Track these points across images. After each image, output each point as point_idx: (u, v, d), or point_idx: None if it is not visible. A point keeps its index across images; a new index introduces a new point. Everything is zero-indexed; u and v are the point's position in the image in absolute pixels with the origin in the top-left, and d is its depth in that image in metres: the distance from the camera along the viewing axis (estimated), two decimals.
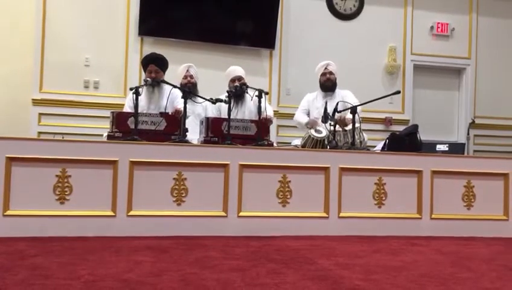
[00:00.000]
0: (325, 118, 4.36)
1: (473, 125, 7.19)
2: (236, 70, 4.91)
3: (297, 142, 4.69)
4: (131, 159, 3.58)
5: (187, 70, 4.92)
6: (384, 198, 4.00)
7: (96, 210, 3.51)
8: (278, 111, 6.39)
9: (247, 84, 4.62)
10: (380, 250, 3.31)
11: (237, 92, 4.52)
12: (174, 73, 4.97)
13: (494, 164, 4.25)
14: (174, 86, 4.24)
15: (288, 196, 3.83)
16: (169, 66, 4.78)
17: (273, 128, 5.45)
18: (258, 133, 4.07)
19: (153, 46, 6.07)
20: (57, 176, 3.46)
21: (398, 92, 4.68)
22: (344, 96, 4.99)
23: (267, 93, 4.24)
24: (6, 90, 6.04)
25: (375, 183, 3.99)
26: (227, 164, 3.72)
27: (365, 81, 6.70)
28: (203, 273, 2.48)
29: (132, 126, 3.84)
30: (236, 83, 4.71)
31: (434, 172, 4.08)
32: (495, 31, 7.40)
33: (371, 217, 3.95)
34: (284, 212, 3.81)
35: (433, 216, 4.06)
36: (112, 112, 4.02)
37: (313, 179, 3.88)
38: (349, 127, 4.34)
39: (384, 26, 7.02)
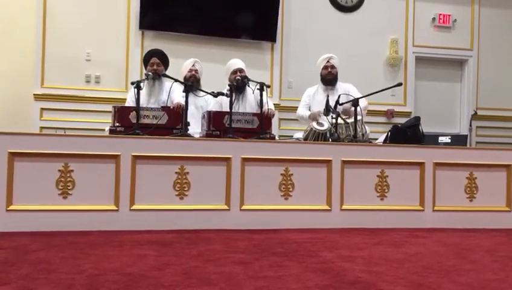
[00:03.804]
0: (327, 110, 4.35)
1: (475, 116, 7.18)
2: (237, 63, 4.91)
3: (299, 135, 4.69)
4: (133, 154, 3.58)
5: (193, 65, 4.96)
6: (386, 190, 4.00)
7: (99, 204, 3.52)
8: (279, 104, 6.38)
9: (248, 77, 4.61)
10: (383, 242, 3.32)
11: (238, 84, 4.51)
12: (176, 66, 4.98)
13: (496, 156, 4.24)
14: (176, 80, 4.25)
15: (291, 189, 3.83)
16: (170, 59, 4.81)
17: (275, 122, 5.44)
18: (260, 127, 4.07)
19: (153, 40, 6.07)
20: (59, 170, 3.47)
21: (400, 84, 4.67)
22: (347, 89, 4.98)
23: (268, 87, 4.24)
24: (7, 85, 6.04)
25: (378, 176, 3.99)
26: (229, 158, 3.72)
27: (367, 73, 6.68)
28: (206, 267, 2.49)
29: (134, 120, 3.84)
30: (238, 75, 4.70)
31: (436, 164, 4.08)
32: (497, 21, 7.36)
33: (373, 209, 3.96)
34: (287, 205, 3.81)
35: (435, 208, 4.06)
36: (114, 107, 4.03)
37: (315, 172, 3.88)
38: (351, 119, 4.34)
39: (385, 18, 6.98)
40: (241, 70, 4.83)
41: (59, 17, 5.96)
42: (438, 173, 4.08)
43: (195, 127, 4.40)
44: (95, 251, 2.82)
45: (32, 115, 5.88)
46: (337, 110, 4.35)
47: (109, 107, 4.23)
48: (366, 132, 4.51)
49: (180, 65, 5.05)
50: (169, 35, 6.16)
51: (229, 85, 4.47)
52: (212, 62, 5.90)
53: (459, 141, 4.66)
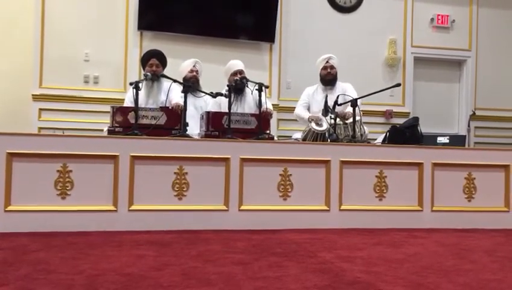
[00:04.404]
0: (326, 111, 4.36)
1: (473, 117, 7.19)
2: (237, 64, 4.91)
3: (298, 135, 4.69)
4: (132, 154, 3.58)
5: (194, 66, 4.94)
6: (385, 191, 4.00)
7: (98, 205, 3.52)
8: (278, 105, 6.38)
9: (247, 78, 4.61)
10: (381, 242, 3.32)
11: (237, 85, 4.52)
12: (174, 67, 4.97)
13: (494, 156, 4.25)
14: (174, 80, 4.25)
15: (289, 189, 3.83)
16: (168, 60, 4.80)
17: (273, 122, 5.44)
18: (258, 127, 4.07)
19: (152, 41, 6.07)
20: (58, 171, 3.46)
21: (398, 85, 4.68)
22: (344, 89, 4.98)
23: (267, 87, 4.25)
24: (6, 85, 6.04)
25: (376, 176, 3.99)
26: (228, 158, 3.72)
27: (365, 74, 6.69)
28: (205, 267, 2.48)
29: (132, 121, 3.84)
30: (238, 77, 4.70)
31: (435, 164, 4.08)
32: (495, 22, 7.38)
33: (372, 209, 3.96)
34: (285, 205, 3.81)
35: (434, 208, 4.07)
36: (113, 107, 4.03)
37: (314, 172, 3.88)
38: (350, 120, 4.34)
39: (384, 19, 6.99)
40: (241, 71, 4.83)
41: (58, 18, 5.96)
42: (436, 173, 4.08)
43: (194, 127, 4.40)
44: (94, 251, 2.81)
45: (30, 115, 5.88)
46: (336, 110, 4.35)
47: (108, 108, 4.22)
48: (364, 132, 4.52)
49: (178, 65, 5.03)
50: (167, 36, 6.16)
51: (228, 86, 4.47)
52: (211, 62, 5.89)
53: (457, 141, 4.67)
